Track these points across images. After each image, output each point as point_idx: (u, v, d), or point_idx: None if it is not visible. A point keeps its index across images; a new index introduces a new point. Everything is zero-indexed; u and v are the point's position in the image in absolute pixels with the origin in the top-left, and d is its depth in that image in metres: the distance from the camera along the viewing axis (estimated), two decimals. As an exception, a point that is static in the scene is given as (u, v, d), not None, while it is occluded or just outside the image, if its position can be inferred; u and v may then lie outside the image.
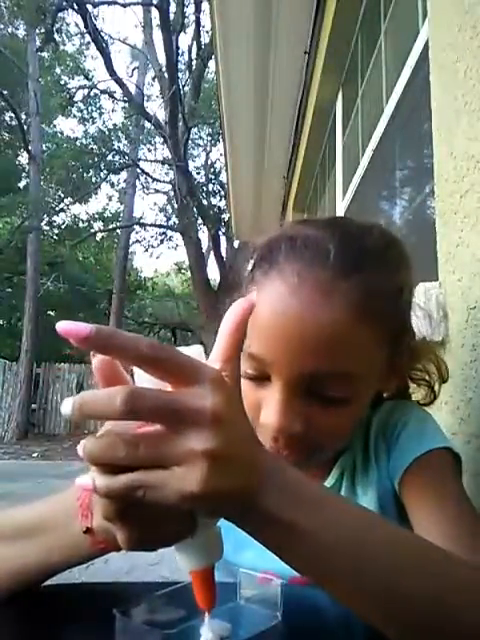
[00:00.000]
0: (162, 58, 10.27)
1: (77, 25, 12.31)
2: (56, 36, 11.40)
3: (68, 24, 12.94)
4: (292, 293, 0.49)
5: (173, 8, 10.06)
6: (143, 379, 0.35)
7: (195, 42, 11.45)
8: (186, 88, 11.77)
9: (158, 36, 13.59)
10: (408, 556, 0.38)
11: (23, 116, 12.66)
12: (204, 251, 12.33)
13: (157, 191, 14.96)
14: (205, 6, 10.05)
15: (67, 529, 0.48)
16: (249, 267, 0.56)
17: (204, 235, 11.99)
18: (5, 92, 11.85)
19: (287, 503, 0.36)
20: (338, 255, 0.50)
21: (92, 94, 13.74)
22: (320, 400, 0.50)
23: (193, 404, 0.32)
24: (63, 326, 0.30)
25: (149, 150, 15.49)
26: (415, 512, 0.55)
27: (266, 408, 0.50)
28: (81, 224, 15.46)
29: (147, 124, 12.50)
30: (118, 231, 13.90)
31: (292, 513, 0.36)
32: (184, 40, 11.28)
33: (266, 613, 0.50)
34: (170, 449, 0.31)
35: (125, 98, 11.90)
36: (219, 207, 13.47)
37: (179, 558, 0.40)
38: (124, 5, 10.94)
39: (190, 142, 12.52)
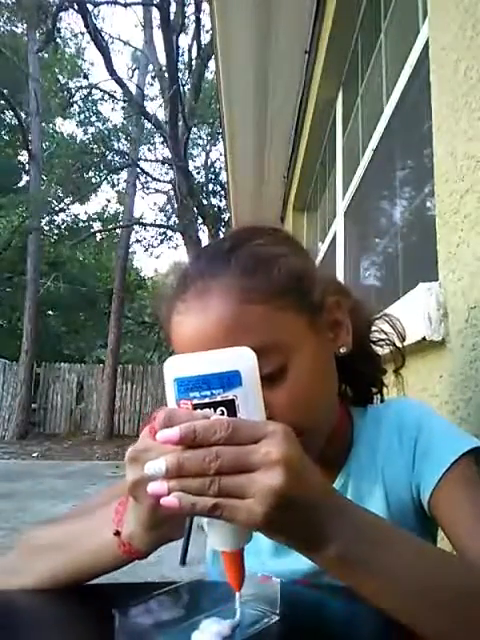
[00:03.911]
0: (162, 58, 10.28)
1: (77, 25, 12.31)
2: (56, 36, 11.39)
3: (68, 24, 12.95)
4: (193, 302, 0.56)
5: (173, 8, 10.05)
6: None
7: (195, 42, 11.44)
8: (186, 88, 11.76)
9: (158, 36, 13.61)
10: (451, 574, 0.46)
11: (23, 116, 12.65)
12: (204, 251, 12.27)
13: (157, 191, 14.95)
14: (205, 6, 10.04)
15: (96, 538, 0.54)
16: (163, 307, 0.62)
17: (204, 235, 11.99)
18: (5, 92, 11.84)
19: (360, 543, 0.42)
20: (213, 251, 0.59)
21: (92, 94, 13.74)
22: (267, 383, 0.51)
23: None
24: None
25: (149, 150, 15.48)
26: (454, 525, 0.57)
27: None
28: (81, 224, 15.45)
29: (147, 124, 12.49)
30: (118, 231, 13.88)
31: (365, 553, 0.42)
32: (184, 40, 11.30)
33: (265, 612, 0.50)
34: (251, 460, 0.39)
35: (125, 98, 11.89)
36: (219, 207, 13.47)
37: (211, 538, 0.44)
38: (125, 5, 10.94)
39: (190, 142, 12.51)
